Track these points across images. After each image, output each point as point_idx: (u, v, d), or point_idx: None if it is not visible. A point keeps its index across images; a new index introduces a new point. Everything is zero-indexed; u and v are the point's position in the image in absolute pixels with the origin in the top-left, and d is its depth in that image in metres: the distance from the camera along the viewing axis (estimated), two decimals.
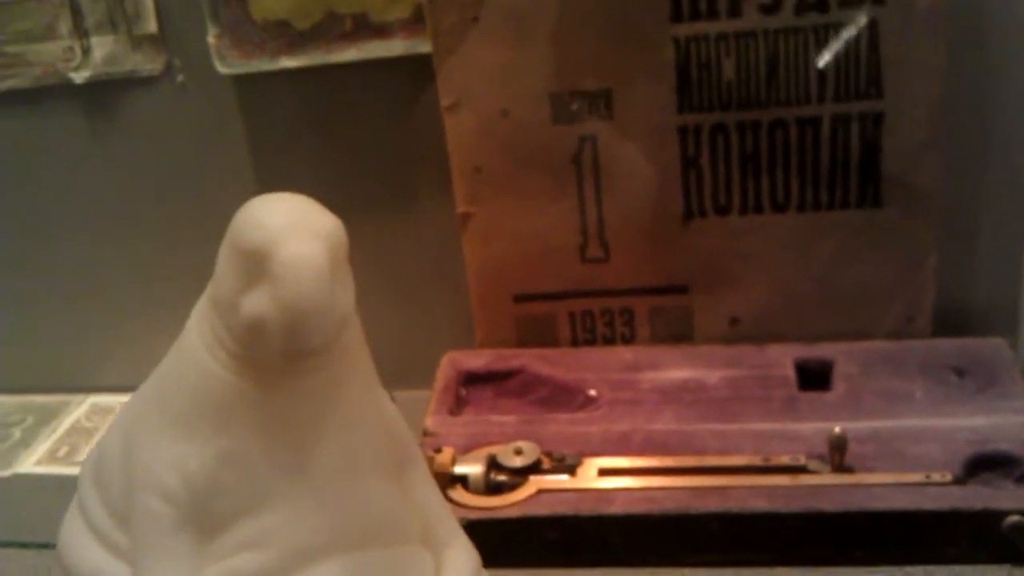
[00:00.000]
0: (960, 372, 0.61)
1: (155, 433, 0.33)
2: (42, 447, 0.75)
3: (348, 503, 0.34)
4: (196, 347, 0.33)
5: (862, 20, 0.55)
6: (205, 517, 0.32)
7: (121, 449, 0.35)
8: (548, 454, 0.58)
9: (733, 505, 0.53)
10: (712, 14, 0.59)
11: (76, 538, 0.36)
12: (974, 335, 0.63)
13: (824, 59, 0.56)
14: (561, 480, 0.56)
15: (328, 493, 0.33)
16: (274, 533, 0.33)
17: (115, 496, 0.35)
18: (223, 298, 0.32)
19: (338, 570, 0.34)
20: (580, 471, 0.57)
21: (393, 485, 0.36)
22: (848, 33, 0.55)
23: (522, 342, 0.68)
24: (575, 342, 0.68)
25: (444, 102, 0.63)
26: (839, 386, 0.61)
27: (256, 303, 0.30)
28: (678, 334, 0.66)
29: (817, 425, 0.57)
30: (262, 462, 0.33)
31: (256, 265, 0.30)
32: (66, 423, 0.77)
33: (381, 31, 0.65)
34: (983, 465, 0.55)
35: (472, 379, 0.66)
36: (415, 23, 0.64)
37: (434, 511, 0.38)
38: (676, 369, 0.64)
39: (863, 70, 0.59)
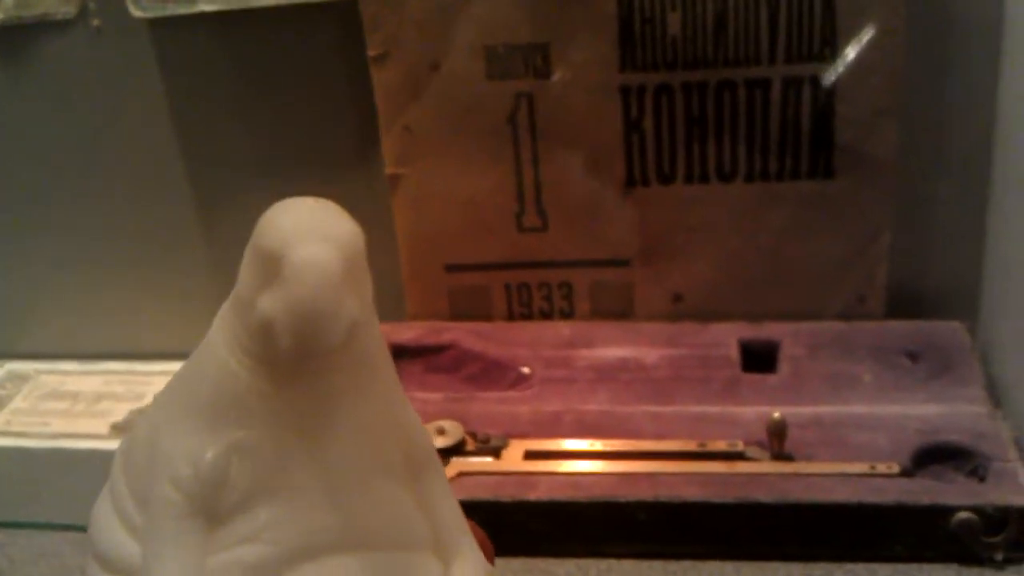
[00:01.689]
0: (913, 356, 0.58)
1: (176, 423, 0.35)
2: None
3: (355, 505, 0.35)
4: (217, 343, 0.35)
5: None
6: (213, 507, 0.34)
7: (148, 437, 0.36)
8: (473, 435, 0.55)
9: (663, 493, 0.50)
10: None
11: (105, 520, 0.37)
12: (929, 318, 0.60)
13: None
14: (484, 462, 0.54)
15: (334, 493, 0.35)
16: (277, 527, 0.34)
17: (139, 482, 0.36)
18: (243, 297, 0.34)
19: (339, 568, 0.35)
20: (505, 453, 0.54)
21: (406, 492, 0.37)
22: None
23: (455, 315, 0.65)
24: (511, 316, 0.65)
25: (371, 52, 0.60)
26: (784, 368, 0.58)
27: (267, 303, 0.32)
28: (618, 310, 0.63)
29: (759, 409, 0.55)
30: (270, 458, 0.34)
31: (271, 266, 0.32)
32: None
33: None
34: (933, 457, 0.52)
35: (401, 353, 0.62)
36: None
37: (446, 521, 0.39)
38: (614, 347, 0.61)
39: (816, 29, 0.56)
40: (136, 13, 0.63)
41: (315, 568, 0.34)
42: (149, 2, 0.63)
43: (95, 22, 0.66)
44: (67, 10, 0.66)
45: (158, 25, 0.65)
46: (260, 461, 0.34)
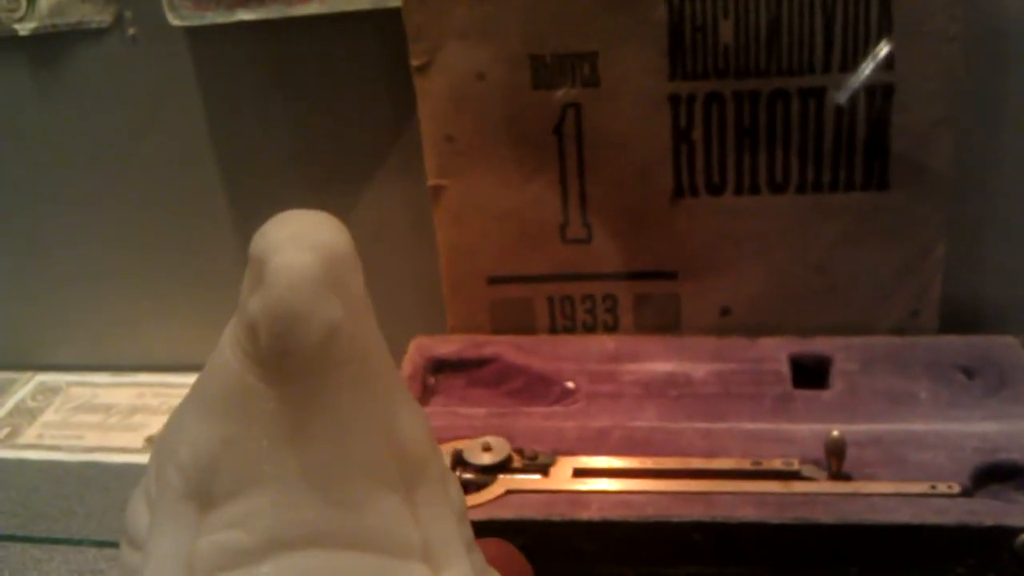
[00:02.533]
0: (969, 372, 0.57)
1: (187, 412, 0.37)
2: None
3: (337, 504, 0.36)
4: (224, 342, 0.36)
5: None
6: (206, 491, 0.36)
7: (169, 422, 0.39)
8: (519, 451, 0.54)
9: (718, 513, 0.49)
10: None
11: (135, 505, 0.39)
12: (984, 332, 0.59)
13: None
14: (532, 480, 0.53)
15: (316, 491, 0.36)
16: (259, 517, 0.35)
17: (157, 462, 0.38)
18: (241, 300, 0.36)
19: (316, 562, 0.36)
20: (553, 471, 0.53)
21: (396, 499, 0.37)
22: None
23: (496, 328, 0.64)
24: (553, 329, 0.64)
25: (414, 62, 0.59)
26: (837, 384, 0.57)
27: (253, 304, 0.34)
28: (664, 324, 0.62)
29: (812, 427, 0.54)
30: (258, 451, 0.35)
31: (258, 270, 0.34)
32: (10, 402, 0.74)
33: None
34: (993, 476, 0.51)
35: (441, 366, 0.62)
36: None
37: (438, 532, 0.39)
38: (661, 361, 0.60)
39: (872, 38, 0.55)
40: (174, 22, 0.63)
41: (293, 559, 0.35)
42: (188, 11, 0.62)
43: (131, 31, 0.66)
44: (102, 18, 0.66)
45: (196, 34, 0.64)
46: (247, 453, 0.35)
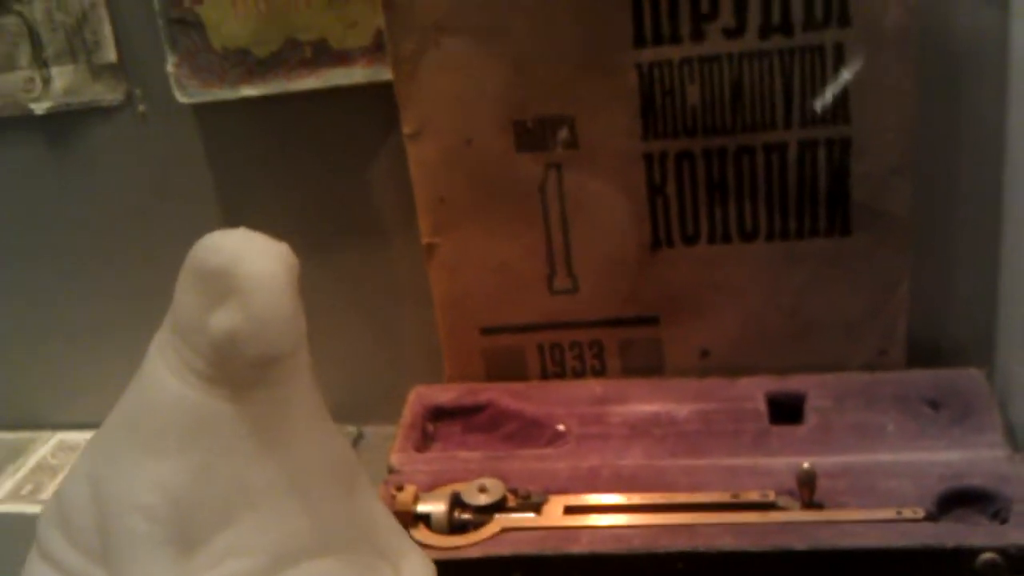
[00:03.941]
0: (935, 404, 0.60)
1: (127, 461, 0.35)
2: (6, 485, 0.74)
3: (321, 510, 0.36)
4: (162, 374, 0.36)
5: None
6: (188, 530, 0.34)
7: (87, 488, 0.37)
8: (514, 491, 0.57)
9: (700, 543, 0.52)
10: (675, 38, 0.58)
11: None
12: (949, 366, 0.62)
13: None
14: (526, 518, 0.55)
15: (300, 499, 0.36)
16: (257, 538, 0.35)
17: (84, 535, 0.36)
18: (188, 324, 0.35)
19: (320, 572, 0.36)
20: (546, 509, 0.56)
21: (353, 498, 0.39)
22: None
23: (491, 375, 0.67)
24: (544, 375, 0.67)
25: (406, 130, 0.62)
26: (811, 419, 0.60)
27: (224, 319, 0.33)
28: (649, 367, 0.65)
29: (788, 460, 0.56)
30: (238, 472, 0.35)
31: (220, 285, 0.34)
32: (32, 460, 0.76)
33: (342, 58, 0.64)
34: (957, 501, 0.53)
35: (440, 414, 0.65)
36: (376, 50, 0.64)
37: (385, 525, 0.40)
38: (646, 403, 0.63)
39: (829, 94, 0.58)
40: (182, 99, 0.66)
41: (301, 572, 0.35)
42: (194, 88, 0.66)
43: (141, 108, 0.69)
44: (114, 97, 0.69)
45: (202, 110, 0.68)
46: (225, 478, 0.35)
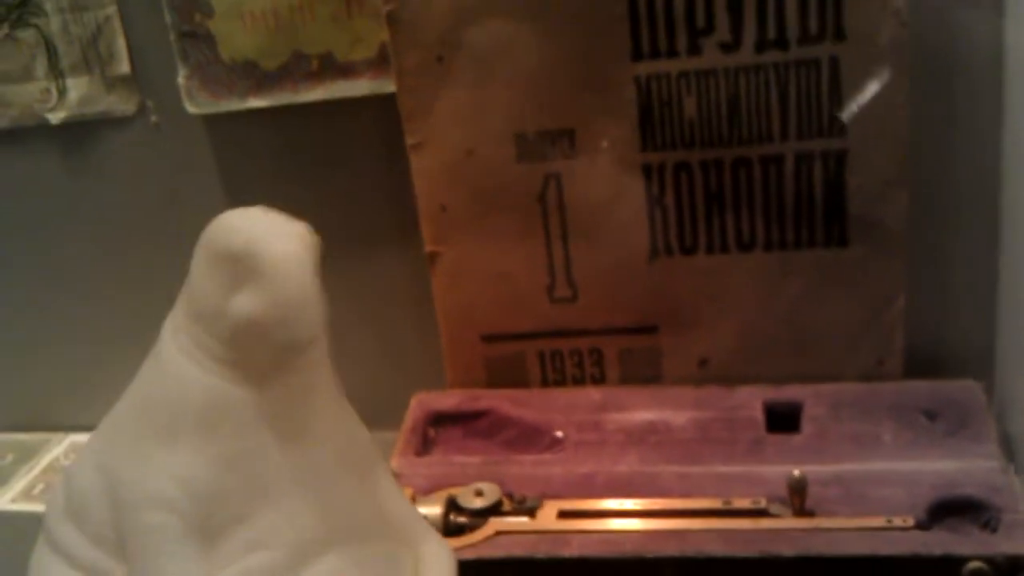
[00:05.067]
0: (931, 415, 0.60)
1: (140, 450, 0.34)
2: (18, 485, 0.75)
3: (341, 499, 0.35)
4: (177, 360, 0.34)
5: None
6: (209, 522, 0.33)
7: (99, 479, 0.35)
8: (509, 496, 0.57)
9: (689, 549, 0.52)
10: (672, 53, 0.59)
11: (49, 570, 0.36)
12: (946, 377, 0.62)
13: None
14: (520, 522, 0.56)
15: (323, 489, 0.34)
16: (279, 530, 0.33)
17: (99, 528, 0.35)
18: (205, 308, 0.33)
19: (343, 563, 0.34)
20: (540, 513, 0.56)
21: (368, 485, 0.37)
22: None
23: (492, 382, 0.67)
24: (545, 383, 0.67)
25: (409, 141, 0.63)
26: (807, 428, 0.60)
27: (246, 303, 0.32)
28: (647, 375, 0.66)
29: (782, 468, 0.56)
30: (259, 461, 0.33)
31: (240, 267, 0.32)
32: (44, 461, 0.77)
33: (347, 71, 0.65)
34: (948, 510, 0.53)
35: (441, 420, 0.65)
36: (380, 63, 0.65)
37: (404, 511, 0.39)
38: (643, 410, 0.63)
39: (825, 107, 0.59)
40: (192, 110, 0.68)
41: (323, 564, 0.34)
42: (204, 100, 0.67)
43: (153, 119, 0.71)
44: (127, 108, 0.71)
45: (211, 121, 0.69)
46: (247, 467, 0.33)
